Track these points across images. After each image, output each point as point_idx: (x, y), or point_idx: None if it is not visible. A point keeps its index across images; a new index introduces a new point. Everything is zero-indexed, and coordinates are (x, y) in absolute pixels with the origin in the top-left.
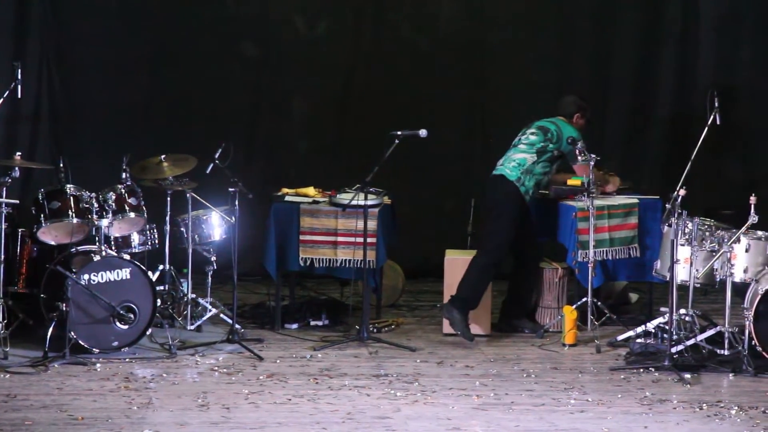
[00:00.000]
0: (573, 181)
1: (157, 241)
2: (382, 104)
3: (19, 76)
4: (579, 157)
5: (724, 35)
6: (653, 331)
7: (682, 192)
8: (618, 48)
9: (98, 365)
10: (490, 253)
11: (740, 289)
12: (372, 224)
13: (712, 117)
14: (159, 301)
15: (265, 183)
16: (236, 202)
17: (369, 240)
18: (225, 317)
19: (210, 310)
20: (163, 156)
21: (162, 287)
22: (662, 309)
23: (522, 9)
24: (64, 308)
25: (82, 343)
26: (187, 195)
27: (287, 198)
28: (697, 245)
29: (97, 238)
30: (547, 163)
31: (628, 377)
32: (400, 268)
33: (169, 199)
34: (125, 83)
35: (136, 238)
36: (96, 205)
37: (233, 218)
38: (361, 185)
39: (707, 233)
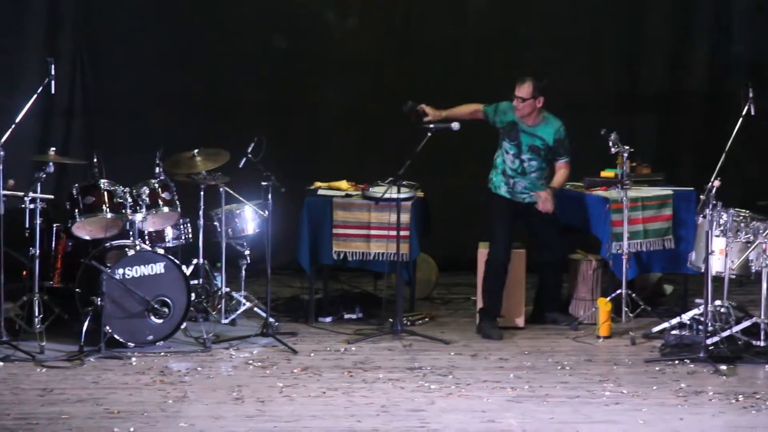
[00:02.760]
0: (606, 173)
1: (190, 236)
2: (413, 97)
3: (53, 72)
4: (613, 147)
5: (758, 24)
6: (688, 322)
7: (716, 183)
8: (650, 38)
9: (133, 359)
10: (491, 257)
11: None
12: (405, 217)
13: (746, 108)
14: (193, 295)
15: (298, 177)
16: (269, 196)
17: (402, 233)
18: (259, 311)
19: (244, 304)
20: (196, 150)
21: (196, 281)
22: (697, 300)
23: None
24: (99, 303)
25: (117, 338)
26: (221, 189)
27: (320, 191)
28: (732, 236)
29: (131, 233)
30: (498, 150)
31: (663, 369)
32: (433, 261)
33: (202, 193)
34: (158, 78)
35: (169, 233)
36: (130, 199)
37: (266, 212)
38: (393, 178)
39: (742, 224)
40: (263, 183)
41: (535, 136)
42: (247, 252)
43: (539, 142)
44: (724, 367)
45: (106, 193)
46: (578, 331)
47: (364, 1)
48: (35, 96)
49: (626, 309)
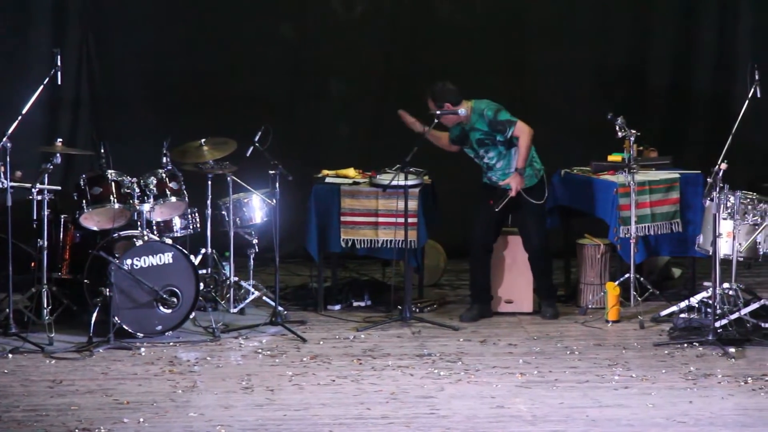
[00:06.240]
0: (613, 157)
1: (198, 225)
2: (420, 84)
3: (59, 63)
4: (619, 131)
5: (764, 7)
6: (697, 305)
7: (723, 166)
8: (656, 22)
9: (142, 349)
10: (470, 238)
11: None
12: (413, 204)
13: (752, 90)
14: (201, 284)
15: (305, 165)
16: (277, 185)
17: (410, 220)
18: (268, 300)
19: (252, 293)
20: (203, 140)
21: (204, 271)
22: (705, 283)
23: None
24: (107, 293)
25: (126, 328)
26: (228, 178)
27: (327, 179)
28: (739, 219)
29: (138, 223)
30: None
31: (672, 352)
32: (441, 247)
33: (209, 182)
34: (164, 67)
35: (177, 222)
36: (137, 189)
37: (274, 201)
38: (401, 165)
39: (749, 207)
40: (271, 172)
41: (475, 130)
42: (255, 241)
43: (479, 133)
44: (732, 350)
45: (113, 183)
46: (587, 316)
47: None
48: (41, 87)
49: (635, 293)
